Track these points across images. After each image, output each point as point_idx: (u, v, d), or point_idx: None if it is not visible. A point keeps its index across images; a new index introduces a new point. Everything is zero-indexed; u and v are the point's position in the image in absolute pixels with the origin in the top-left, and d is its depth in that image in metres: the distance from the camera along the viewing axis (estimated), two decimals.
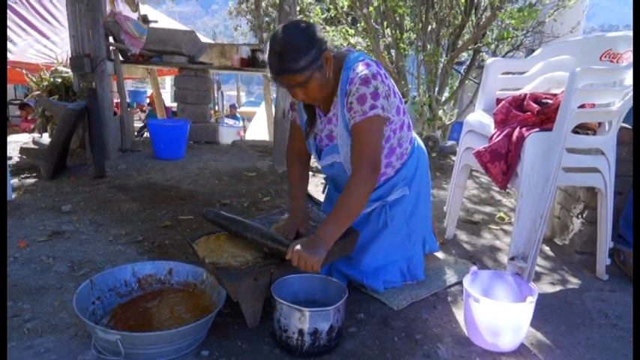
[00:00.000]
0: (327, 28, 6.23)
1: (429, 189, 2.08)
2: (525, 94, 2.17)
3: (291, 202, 1.92)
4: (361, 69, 1.64)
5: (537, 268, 2.15)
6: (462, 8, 5.11)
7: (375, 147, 1.65)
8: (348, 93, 1.64)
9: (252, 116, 12.15)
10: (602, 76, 1.98)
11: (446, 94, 5.72)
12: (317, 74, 1.59)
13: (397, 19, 5.58)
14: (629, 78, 1.93)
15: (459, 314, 1.78)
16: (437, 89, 5.40)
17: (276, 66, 1.57)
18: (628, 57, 2.08)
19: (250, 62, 5.09)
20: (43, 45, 7.73)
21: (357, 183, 1.62)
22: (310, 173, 3.87)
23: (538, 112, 2.01)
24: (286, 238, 1.68)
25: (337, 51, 1.75)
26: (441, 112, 5.59)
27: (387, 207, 1.88)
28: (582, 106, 1.92)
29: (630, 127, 2.18)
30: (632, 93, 1.89)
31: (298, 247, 1.52)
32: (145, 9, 6.64)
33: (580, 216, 2.35)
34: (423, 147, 2.06)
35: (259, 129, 9.77)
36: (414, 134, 2.00)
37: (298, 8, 5.63)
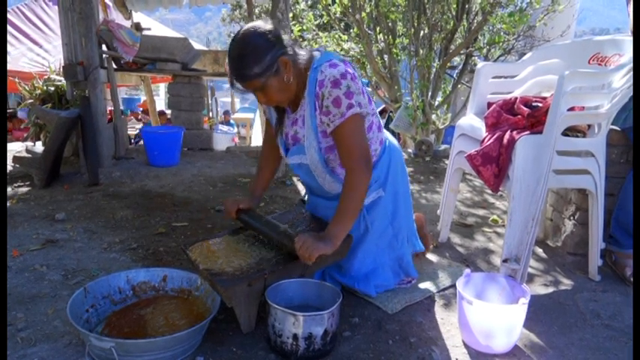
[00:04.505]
0: (320, 34, 6.26)
1: (406, 186, 2.02)
2: (516, 98, 2.19)
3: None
4: (329, 71, 1.62)
5: (530, 270, 2.17)
6: (454, 13, 5.15)
7: (361, 143, 1.67)
8: (321, 97, 1.64)
9: (247, 122, 12.13)
10: (591, 79, 2.00)
11: (439, 99, 5.75)
12: (272, 80, 1.60)
13: (389, 24, 5.62)
14: (616, 81, 1.96)
15: (453, 317, 1.79)
16: (430, 94, 5.43)
17: (232, 72, 1.60)
18: (615, 60, 2.10)
19: None
20: (36, 53, 7.74)
21: (353, 181, 1.65)
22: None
23: (528, 116, 2.03)
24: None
25: (306, 50, 1.73)
26: (434, 117, 5.62)
27: (364, 211, 1.87)
28: (572, 109, 1.94)
29: (619, 129, 2.20)
30: (619, 96, 1.91)
31: (308, 237, 1.58)
32: (137, 16, 6.66)
33: (572, 218, 2.37)
34: (397, 145, 2.00)
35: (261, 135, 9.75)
36: (386, 134, 1.97)
37: (291, 15, 5.66)
